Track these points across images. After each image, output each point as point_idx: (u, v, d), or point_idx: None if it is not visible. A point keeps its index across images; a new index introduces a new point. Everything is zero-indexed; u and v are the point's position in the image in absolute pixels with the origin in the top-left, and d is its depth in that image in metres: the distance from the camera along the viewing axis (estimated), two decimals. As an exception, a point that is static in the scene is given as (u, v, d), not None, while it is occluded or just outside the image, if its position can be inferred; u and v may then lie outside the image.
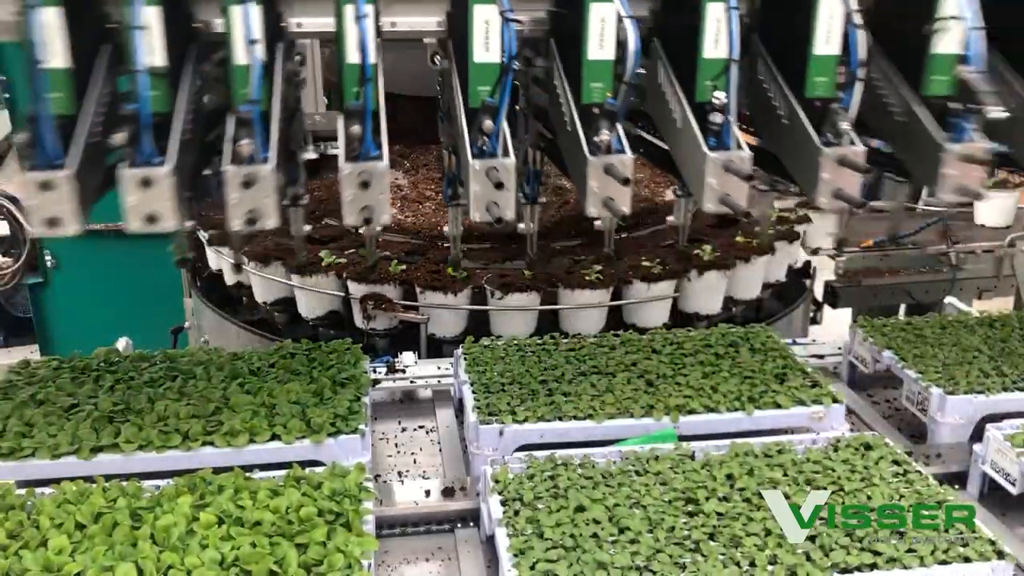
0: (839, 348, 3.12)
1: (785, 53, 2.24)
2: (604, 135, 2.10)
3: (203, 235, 3.78)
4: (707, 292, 3.39)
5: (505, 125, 2.10)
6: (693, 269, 3.35)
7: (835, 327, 4.20)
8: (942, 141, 2.10)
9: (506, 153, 2.10)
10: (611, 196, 2.10)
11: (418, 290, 3.29)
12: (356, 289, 3.30)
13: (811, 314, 4.10)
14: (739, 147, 2.10)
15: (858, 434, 2.36)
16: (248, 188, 1.95)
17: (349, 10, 2.00)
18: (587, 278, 3.24)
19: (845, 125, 2.11)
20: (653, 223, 3.73)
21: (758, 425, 2.45)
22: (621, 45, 2.09)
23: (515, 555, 1.86)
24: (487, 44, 2.08)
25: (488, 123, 2.06)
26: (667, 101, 2.27)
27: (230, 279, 3.77)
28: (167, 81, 2.00)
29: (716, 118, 2.08)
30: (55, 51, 1.87)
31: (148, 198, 1.90)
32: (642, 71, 2.20)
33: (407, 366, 2.99)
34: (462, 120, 2.16)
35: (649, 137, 2.69)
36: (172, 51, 1.99)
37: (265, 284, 3.51)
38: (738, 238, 3.57)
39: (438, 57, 2.45)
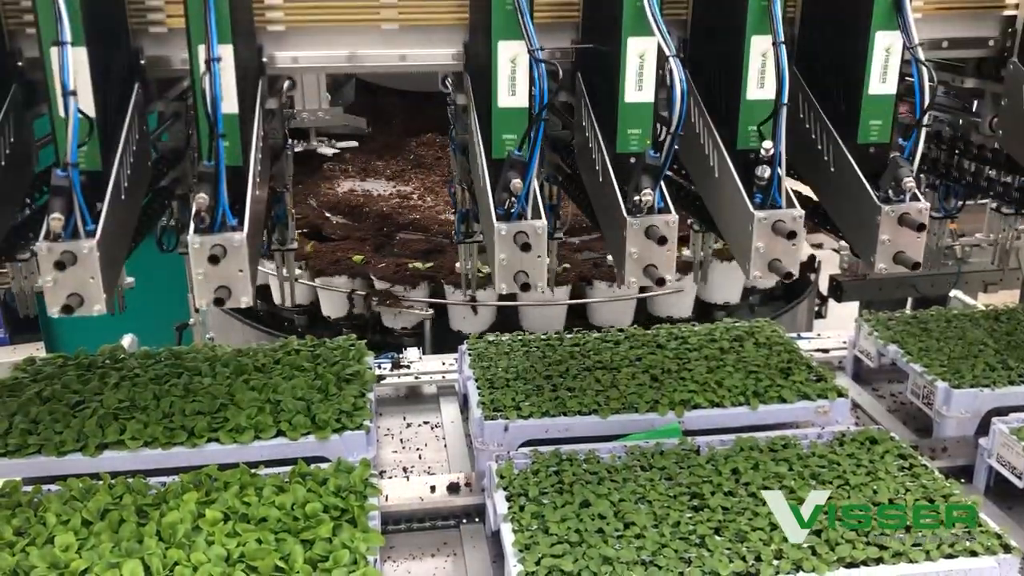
0: (844, 342, 3.11)
1: (832, 90, 1.89)
2: None
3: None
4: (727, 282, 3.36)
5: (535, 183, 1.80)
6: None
7: (840, 321, 4.20)
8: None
9: (536, 214, 1.80)
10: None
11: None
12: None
13: (816, 308, 4.10)
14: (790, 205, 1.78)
15: (863, 428, 2.35)
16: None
17: (202, 51, 1.62)
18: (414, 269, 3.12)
19: (909, 180, 1.75)
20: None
21: (763, 420, 2.44)
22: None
23: (520, 550, 1.86)
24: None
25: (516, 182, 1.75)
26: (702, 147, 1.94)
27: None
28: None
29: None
30: None
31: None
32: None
33: (412, 362, 2.99)
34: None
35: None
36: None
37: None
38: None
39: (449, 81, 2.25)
